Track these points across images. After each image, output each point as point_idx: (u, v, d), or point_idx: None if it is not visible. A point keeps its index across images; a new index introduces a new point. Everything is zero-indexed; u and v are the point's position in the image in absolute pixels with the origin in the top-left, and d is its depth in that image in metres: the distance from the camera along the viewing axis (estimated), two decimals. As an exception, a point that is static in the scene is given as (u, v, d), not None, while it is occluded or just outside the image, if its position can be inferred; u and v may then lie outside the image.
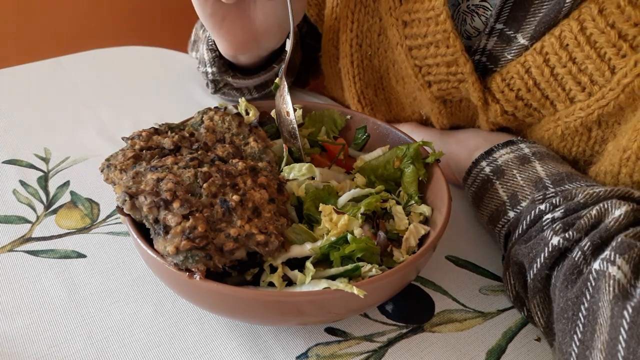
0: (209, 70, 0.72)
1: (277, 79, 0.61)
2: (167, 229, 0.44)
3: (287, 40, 0.58)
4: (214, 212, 0.45)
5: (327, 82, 0.81)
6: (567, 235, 0.45)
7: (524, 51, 0.57)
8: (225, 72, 0.72)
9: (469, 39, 0.62)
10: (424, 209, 0.55)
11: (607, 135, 0.55)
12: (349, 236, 0.48)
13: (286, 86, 0.59)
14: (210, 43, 0.70)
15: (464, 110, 0.66)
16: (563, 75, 0.54)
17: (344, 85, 0.74)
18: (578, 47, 0.52)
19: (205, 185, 0.46)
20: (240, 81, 0.73)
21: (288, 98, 0.59)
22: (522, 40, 0.57)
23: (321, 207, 0.51)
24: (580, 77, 0.53)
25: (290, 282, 0.47)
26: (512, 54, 0.58)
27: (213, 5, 0.60)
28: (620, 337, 0.38)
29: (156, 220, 0.45)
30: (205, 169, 0.48)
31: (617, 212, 0.44)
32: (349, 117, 0.64)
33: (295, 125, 0.58)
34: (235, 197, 0.46)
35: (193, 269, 0.43)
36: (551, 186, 0.52)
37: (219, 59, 0.71)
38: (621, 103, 0.51)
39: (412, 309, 0.54)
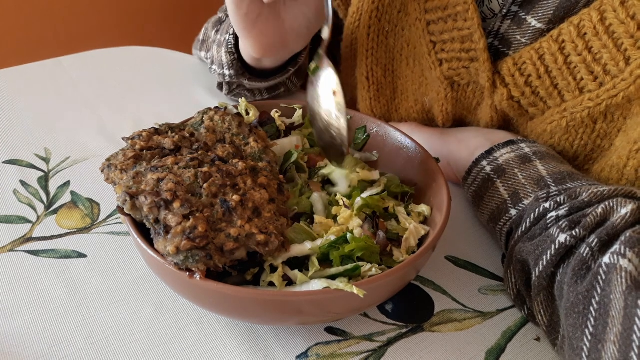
0: (227, 72, 0.73)
1: (313, 62, 0.58)
2: (167, 229, 0.44)
3: (325, 27, 0.58)
4: (214, 212, 0.45)
5: (343, 63, 0.81)
6: (574, 232, 0.45)
7: (539, 36, 0.58)
8: (242, 74, 0.73)
9: (484, 21, 0.63)
10: (424, 208, 0.55)
11: (611, 130, 0.56)
12: (349, 235, 0.48)
13: (331, 64, 0.57)
14: (230, 46, 0.71)
15: (469, 97, 0.66)
16: (577, 63, 0.54)
17: (357, 59, 0.74)
18: (596, 37, 0.52)
19: (205, 185, 0.46)
20: (255, 83, 0.75)
21: (335, 78, 0.56)
22: (534, 22, 0.57)
23: (334, 210, 0.52)
24: (594, 67, 0.53)
25: (290, 282, 0.47)
26: (526, 38, 0.59)
27: (249, 5, 0.61)
28: (635, 327, 0.38)
29: (157, 220, 0.45)
30: (205, 169, 0.48)
31: (624, 211, 0.45)
32: (349, 117, 0.64)
33: (344, 111, 0.54)
34: (236, 197, 0.46)
35: (193, 269, 0.43)
36: (553, 185, 0.53)
37: (237, 62, 0.72)
38: (630, 95, 0.52)
39: (412, 308, 0.54)
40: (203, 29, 0.86)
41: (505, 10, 0.60)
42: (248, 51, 0.67)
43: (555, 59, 0.56)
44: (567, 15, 0.56)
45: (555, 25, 0.56)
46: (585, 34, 0.53)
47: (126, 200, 0.45)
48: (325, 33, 0.58)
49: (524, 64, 0.58)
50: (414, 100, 0.71)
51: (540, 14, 0.57)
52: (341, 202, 0.53)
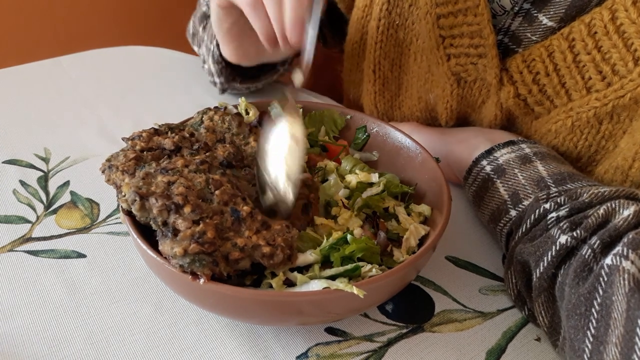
0: (217, 80, 0.76)
1: (277, 103, 0.54)
2: (175, 232, 0.44)
3: (298, 71, 0.54)
4: (223, 219, 0.45)
5: (346, 60, 0.81)
6: (575, 234, 0.45)
7: (550, 34, 0.58)
8: (233, 80, 0.75)
9: (494, 18, 0.63)
10: (424, 208, 0.55)
11: (616, 131, 0.56)
12: (349, 237, 0.48)
13: (298, 112, 0.52)
14: (217, 56, 0.72)
15: (475, 95, 0.66)
16: (585, 62, 0.54)
17: (365, 52, 0.74)
18: (606, 36, 0.52)
19: (217, 192, 0.46)
20: (247, 85, 0.76)
21: (301, 126, 0.51)
22: (545, 20, 0.57)
23: (334, 210, 0.52)
24: (603, 66, 0.53)
25: (290, 283, 0.47)
26: (536, 36, 0.59)
27: (233, 23, 0.62)
28: (637, 329, 0.38)
29: (164, 223, 0.45)
30: (217, 177, 0.48)
31: (626, 212, 0.45)
32: (349, 117, 0.64)
33: (299, 165, 0.49)
34: (246, 208, 0.46)
35: (198, 273, 0.43)
36: (553, 185, 0.53)
37: (225, 69, 0.73)
38: (638, 96, 0.52)
39: (412, 309, 0.54)
40: (191, 22, 0.86)
41: (517, 8, 0.60)
42: (225, 54, 0.69)
43: (564, 57, 0.56)
44: (579, 13, 0.55)
45: (566, 23, 0.56)
46: (596, 32, 0.53)
47: (136, 200, 0.45)
48: (298, 79, 0.54)
49: (532, 61, 0.58)
50: (417, 97, 0.71)
51: (552, 12, 0.57)
52: (340, 203, 0.53)
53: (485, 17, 0.59)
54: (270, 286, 0.46)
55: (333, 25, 0.83)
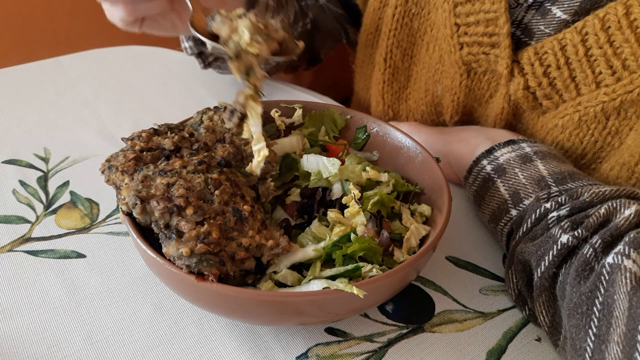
0: (186, 45, 0.76)
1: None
2: (180, 234, 0.44)
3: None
4: (226, 219, 0.45)
5: (360, 51, 0.80)
6: (576, 233, 0.45)
7: (563, 27, 0.58)
8: (202, 43, 0.71)
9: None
10: (424, 208, 0.55)
11: (623, 127, 0.56)
12: (352, 236, 0.48)
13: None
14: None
15: (483, 88, 0.66)
16: (597, 56, 0.55)
17: (379, 40, 0.74)
18: (619, 30, 0.53)
19: (217, 192, 0.46)
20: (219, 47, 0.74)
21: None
22: (559, 13, 0.58)
23: (345, 199, 0.52)
24: (613, 61, 0.54)
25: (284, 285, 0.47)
26: (550, 28, 0.59)
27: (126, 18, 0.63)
28: (639, 327, 0.38)
29: (167, 225, 0.45)
30: (215, 175, 0.48)
31: (627, 212, 0.45)
32: (349, 116, 0.64)
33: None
34: (247, 207, 0.46)
35: (206, 273, 0.43)
36: (554, 185, 0.53)
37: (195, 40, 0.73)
38: None
39: (412, 309, 0.54)
40: None
41: (530, 0, 0.60)
42: None
43: (576, 51, 0.56)
44: (593, 7, 0.56)
45: (580, 17, 0.57)
46: (609, 27, 0.53)
47: (136, 204, 0.45)
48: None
49: (545, 53, 0.58)
50: (425, 89, 0.71)
51: (565, 5, 0.57)
52: (353, 192, 0.52)
53: (502, 5, 0.59)
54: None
55: (354, 19, 0.83)
